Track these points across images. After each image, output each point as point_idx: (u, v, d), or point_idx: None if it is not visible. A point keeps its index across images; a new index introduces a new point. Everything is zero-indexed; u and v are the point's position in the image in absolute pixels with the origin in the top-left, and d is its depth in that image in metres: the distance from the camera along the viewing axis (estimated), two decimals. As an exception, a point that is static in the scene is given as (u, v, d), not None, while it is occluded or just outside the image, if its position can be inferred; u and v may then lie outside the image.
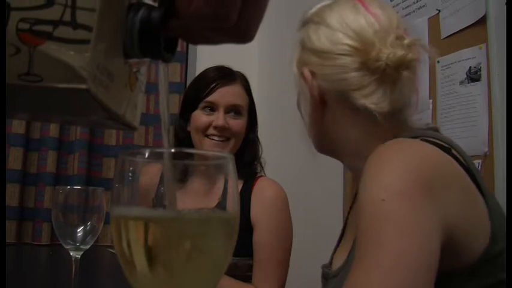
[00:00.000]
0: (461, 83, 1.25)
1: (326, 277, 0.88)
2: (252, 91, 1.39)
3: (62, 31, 0.33)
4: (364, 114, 0.76)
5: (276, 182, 1.35)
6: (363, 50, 0.75)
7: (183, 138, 1.34)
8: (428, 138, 0.72)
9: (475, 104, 1.21)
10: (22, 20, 0.33)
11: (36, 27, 0.33)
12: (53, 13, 0.33)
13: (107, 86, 0.35)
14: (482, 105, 1.19)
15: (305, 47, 0.82)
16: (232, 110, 1.31)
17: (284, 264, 1.26)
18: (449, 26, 1.31)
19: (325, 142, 0.86)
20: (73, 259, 0.85)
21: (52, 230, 2.11)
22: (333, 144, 0.85)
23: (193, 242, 0.34)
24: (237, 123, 1.31)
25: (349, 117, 0.79)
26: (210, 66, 1.39)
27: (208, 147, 1.28)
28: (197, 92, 1.31)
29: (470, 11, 1.23)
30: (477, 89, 1.21)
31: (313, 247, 1.80)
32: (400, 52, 0.72)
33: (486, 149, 1.16)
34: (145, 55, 0.38)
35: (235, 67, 1.40)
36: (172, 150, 0.36)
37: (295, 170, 2.07)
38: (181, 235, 0.34)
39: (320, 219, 1.92)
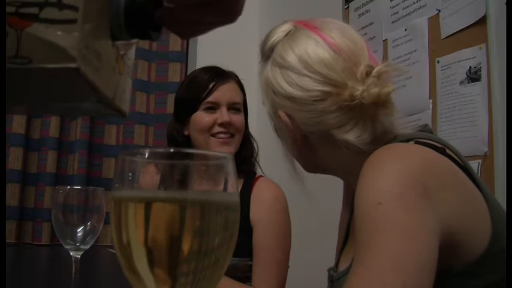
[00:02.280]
0: (461, 83, 1.26)
1: (332, 279, 0.88)
2: (252, 91, 1.39)
3: (49, 12, 0.33)
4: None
5: (275, 183, 1.35)
6: (336, 93, 0.75)
7: (181, 142, 1.34)
8: (422, 140, 0.72)
9: (475, 104, 1.21)
10: (8, 3, 0.33)
11: (22, 10, 0.33)
12: None
13: (96, 67, 0.35)
14: (482, 105, 1.19)
15: (276, 92, 0.82)
16: (232, 107, 1.32)
17: (283, 265, 1.26)
18: (449, 26, 1.31)
19: (313, 166, 0.87)
20: (73, 259, 0.85)
21: (52, 230, 2.11)
22: (322, 168, 0.87)
23: (193, 227, 0.34)
24: (239, 119, 1.33)
25: (334, 148, 0.79)
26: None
27: (215, 146, 1.29)
28: (195, 94, 1.31)
29: (470, 11, 1.23)
30: (477, 89, 1.21)
31: (314, 246, 1.80)
32: (374, 90, 0.72)
33: (486, 149, 1.16)
34: (132, 36, 0.38)
35: (235, 67, 1.40)
36: (172, 150, 0.35)
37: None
38: (182, 216, 0.33)
39: (320, 218, 1.92)
